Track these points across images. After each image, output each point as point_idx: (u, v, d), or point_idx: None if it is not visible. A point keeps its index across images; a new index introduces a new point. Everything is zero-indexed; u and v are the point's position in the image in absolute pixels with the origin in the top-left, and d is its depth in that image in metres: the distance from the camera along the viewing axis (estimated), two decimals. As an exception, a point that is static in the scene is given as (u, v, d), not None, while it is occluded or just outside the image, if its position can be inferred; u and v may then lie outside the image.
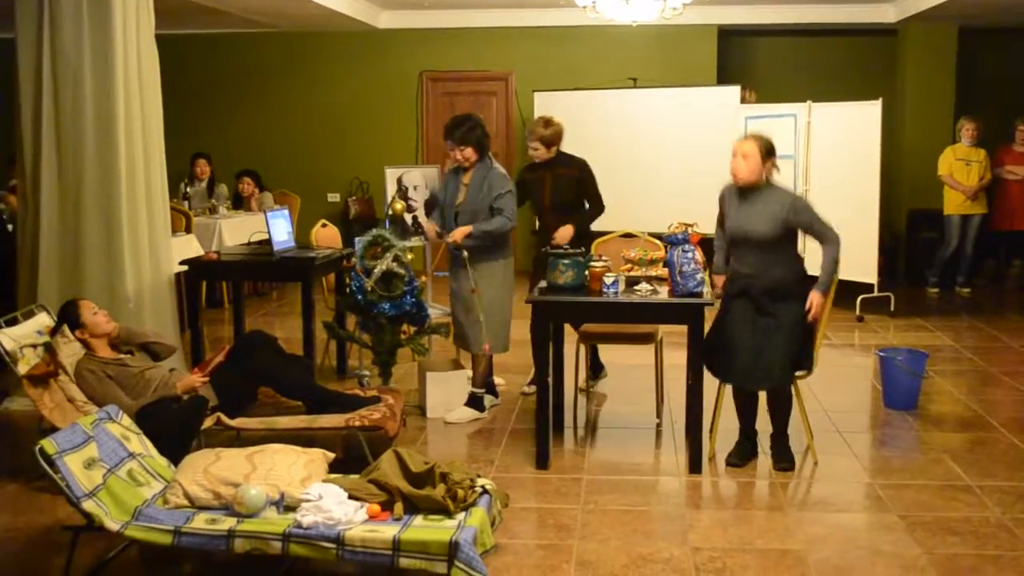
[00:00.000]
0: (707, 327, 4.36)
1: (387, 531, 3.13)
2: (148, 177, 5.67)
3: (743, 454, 4.50)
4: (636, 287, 4.43)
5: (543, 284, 4.59)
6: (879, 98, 7.77)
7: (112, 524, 3.19)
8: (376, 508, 3.28)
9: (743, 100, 8.80)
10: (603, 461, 4.60)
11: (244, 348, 4.60)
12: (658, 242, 5.15)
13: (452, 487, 3.33)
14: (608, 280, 4.39)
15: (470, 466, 4.14)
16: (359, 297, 5.07)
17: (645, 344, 5.28)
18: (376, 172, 8.59)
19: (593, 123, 8.99)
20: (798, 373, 4.39)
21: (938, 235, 8.98)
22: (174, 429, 4.04)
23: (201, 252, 6.78)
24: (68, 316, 4.39)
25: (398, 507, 3.29)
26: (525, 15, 10.13)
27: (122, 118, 5.45)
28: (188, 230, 7.50)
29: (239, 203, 9.08)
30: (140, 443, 3.65)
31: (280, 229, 5.84)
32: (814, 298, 4.26)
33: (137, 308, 5.50)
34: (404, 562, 3.08)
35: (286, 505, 3.31)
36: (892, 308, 7.94)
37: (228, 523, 3.21)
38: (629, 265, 4.82)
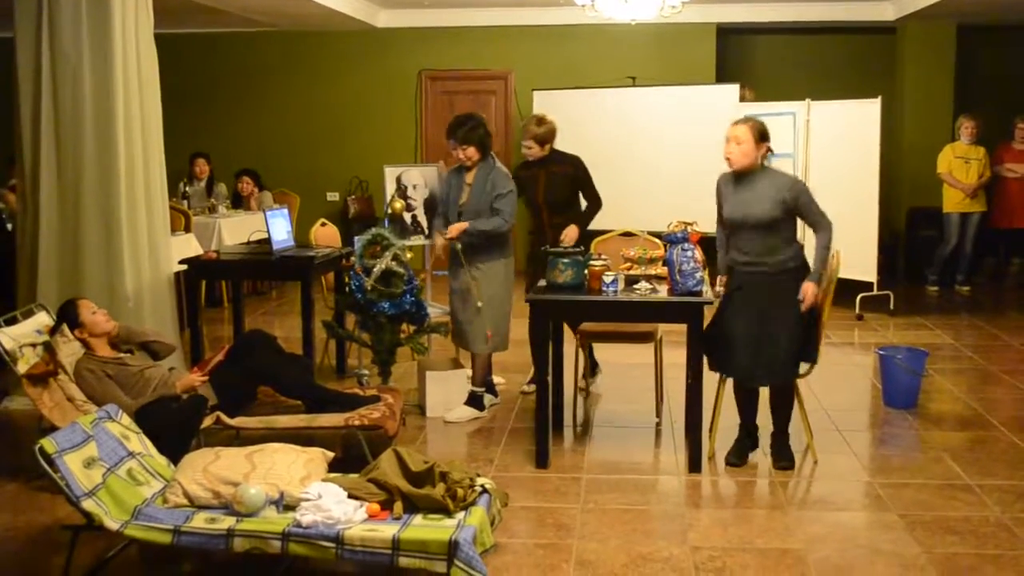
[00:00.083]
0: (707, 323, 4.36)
1: (386, 530, 3.13)
2: (147, 176, 5.67)
3: (742, 452, 4.49)
4: (635, 286, 4.42)
5: (542, 283, 4.59)
6: (878, 96, 7.77)
7: (112, 523, 3.19)
8: (375, 507, 3.28)
9: (742, 98, 8.80)
10: (603, 460, 4.60)
11: (243, 347, 4.60)
12: (657, 241, 5.15)
13: (452, 486, 3.33)
14: (607, 279, 4.39)
15: (470, 465, 4.14)
16: (358, 296, 5.07)
17: (644, 343, 5.28)
18: (375, 171, 8.58)
19: (592, 122, 8.99)
20: (804, 366, 4.37)
21: (937, 233, 8.99)
22: (173, 428, 4.04)
23: (200, 251, 6.78)
24: (67, 315, 4.39)
25: (397, 506, 3.29)
26: (524, 14, 10.13)
27: (121, 117, 5.45)
28: (187, 229, 7.50)
29: (238, 202, 9.09)
30: (140, 442, 3.65)
31: (279, 228, 5.84)
32: (807, 288, 4.22)
33: (136, 307, 5.50)
34: (404, 561, 3.08)
35: (285, 504, 3.31)
36: (892, 306, 7.94)
37: (227, 522, 3.21)
38: (628, 264, 4.81)
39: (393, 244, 5.13)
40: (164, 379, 4.38)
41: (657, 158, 9.03)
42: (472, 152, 5.05)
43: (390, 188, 6.47)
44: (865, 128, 7.76)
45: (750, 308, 4.27)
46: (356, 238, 5.34)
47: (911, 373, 5.32)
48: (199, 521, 3.24)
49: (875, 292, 7.83)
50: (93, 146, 5.43)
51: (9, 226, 7.26)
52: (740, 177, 4.28)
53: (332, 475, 3.57)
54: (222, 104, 10.75)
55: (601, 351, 5.98)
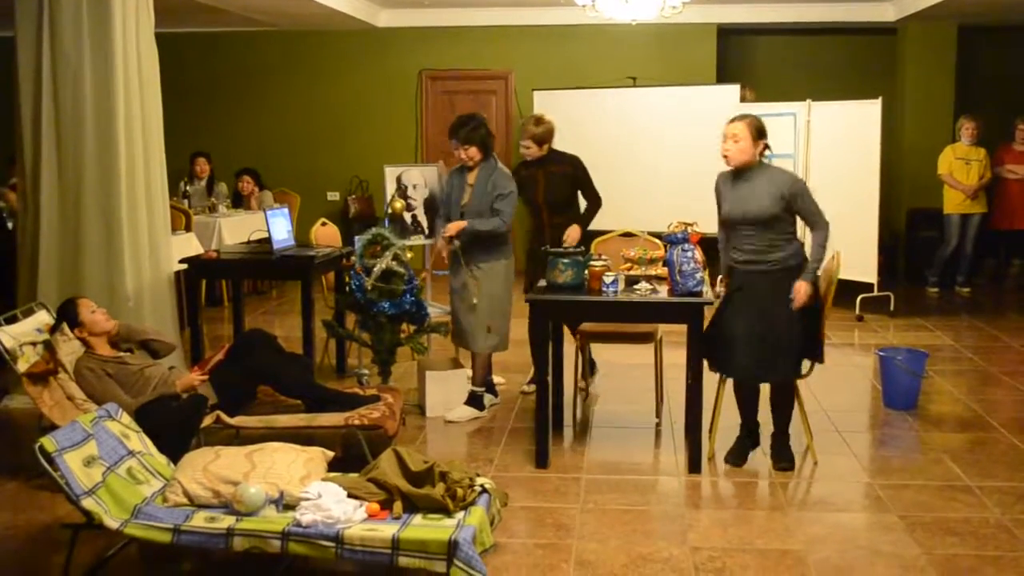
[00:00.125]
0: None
1: (386, 530, 3.13)
2: (148, 175, 5.67)
3: (743, 452, 4.49)
4: (636, 286, 4.42)
5: (542, 283, 4.59)
6: (879, 97, 7.77)
7: (111, 522, 3.20)
8: (375, 507, 3.28)
9: (743, 99, 8.79)
10: (602, 460, 4.60)
11: (243, 346, 4.60)
12: (658, 241, 5.15)
13: (451, 486, 3.33)
14: (608, 279, 4.39)
15: (469, 465, 4.14)
16: (359, 296, 5.08)
17: (645, 343, 5.28)
18: (375, 171, 8.58)
19: (592, 122, 8.99)
20: (805, 365, 4.36)
21: (938, 234, 8.98)
22: (173, 427, 4.04)
23: (201, 250, 6.78)
24: (67, 314, 4.40)
25: (397, 506, 3.29)
26: (525, 14, 10.13)
27: (122, 117, 5.45)
28: (188, 228, 7.50)
29: (239, 202, 9.08)
30: (140, 441, 3.65)
31: (280, 228, 5.84)
32: (799, 287, 4.18)
33: (137, 306, 5.50)
34: (403, 561, 3.08)
35: (285, 504, 3.31)
36: (892, 308, 7.94)
37: (227, 521, 3.21)
38: (629, 264, 4.81)
39: (393, 244, 5.13)
40: (164, 378, 4.38)
41: (657, 158, 9.03)
42: (474, 152, 5.05)
43: (390, 188, 6.47)
44: (866, 129, 7.76)
45: (750, 307, 4.25)
46: (356, 238, 5.34)
47: (911, 374, 5.32)
48: (199, 520, 3.24)
49: (875, 293, 7.83)
50: (94, 145, 5.43)
51: (10, 225, 7.26)
52: (738, 175, 4.28)
53: (332, 475, 3.57)
54: (223, 103, 10.75)
55: (601, 351, 5.98)
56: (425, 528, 3.16)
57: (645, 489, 4.24)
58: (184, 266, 5.84)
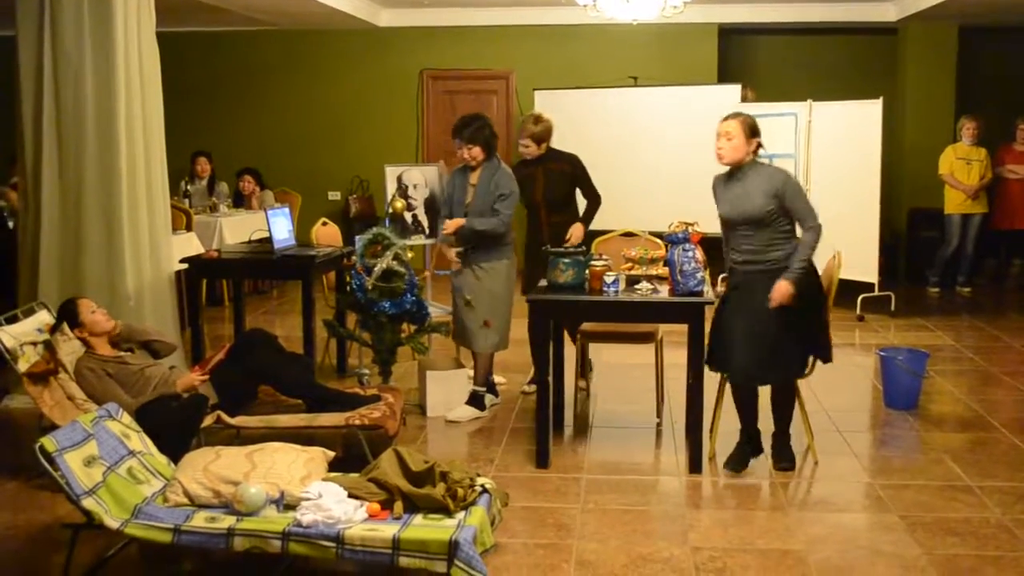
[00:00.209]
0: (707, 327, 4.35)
1: (387, 530, 3.13)
2: (149, 175, 5.67)
3: (743, 459, 4.44)
4: (636, 286, 4.42)
5: (543, 283, 4.59)
6: (880, 97, 7.77)
7: (112, 522, 3.19)
8: (376, 507, 3.28)
9: (743, 99, 8.79)
10: (603, 460, 4.59)
11: (244, 346, 4.60)
12: (659, 241, 5.14)
13: (452, 486, 3.33)
14: (608, 279, 4.38)
15: (470, 465, 4.14)
16: (359, 295, 5.08)
17: (645, 343, 5.28)
18: (376, 170, 8.59)
19: (593, 122, 8.99)
20: (817, 363, 4.36)
21: (939, 234, 8.98)
22: (174, 427, 4.04)
23: (202, 250, 6.77)
24: (67, 314, 4.40)
25: (398, 506, 3.28)
26: (526, 13, 10.12)
27: (123, 116, 5.45)
28: (189, 228, 7.50)
29: (240, 201, 9.08)
30: (140, 441, 3.65)
31: (280, 227, 5.84)
32: (779, 286, 4.10)
33: (137, 306, 5.50)
34: (404, 561, 3.08)
35: (286, 504, 3.31)
36: (892, 307, 7.94)
37: (228, 521, 3.21)
38: (629, 264, 4.81)
39: (394, 243, 5.13)
40: (165, 378, 4.38)
41: (658, 158, 9.03)
42: (477, 152, 5.05)
43: (391, 187, 6.48)
44: (866, 129, 7.76)
45: (749, 307, 4.24)
46: (357, 237, 5.34)
47: (912, 374, 5.31)
48: (199, 520, 3.24)
49: (876, 293, 7.83)
50: (95, 144, 5.43)
51: (10, 224, 7.27)
52: (731, 175, 4.28)
53: (332, 474, 3.57)
54: (224, 103, 10.75)
55: (602, 351, 5.98)
56: (426, 528, 3.16)
57: (646, 489, 4.24)
58: (185, 266, 5.84)
